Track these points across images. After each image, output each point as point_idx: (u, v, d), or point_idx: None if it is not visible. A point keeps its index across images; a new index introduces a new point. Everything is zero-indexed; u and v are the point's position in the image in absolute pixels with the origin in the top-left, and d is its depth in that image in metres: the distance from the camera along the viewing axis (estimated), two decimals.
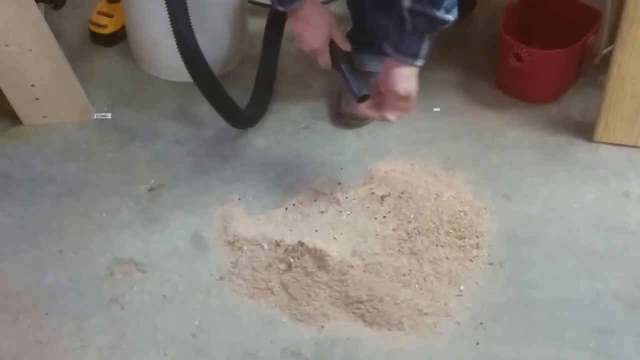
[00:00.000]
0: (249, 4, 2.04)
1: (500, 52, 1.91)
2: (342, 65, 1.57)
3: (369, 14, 1.76)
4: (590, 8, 1.90)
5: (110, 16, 2.04)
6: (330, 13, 1.57)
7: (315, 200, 1.61)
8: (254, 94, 1.81)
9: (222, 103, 1.69)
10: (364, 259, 1.46)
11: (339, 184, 1.66)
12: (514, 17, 1.91)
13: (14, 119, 1.80)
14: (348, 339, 1.39)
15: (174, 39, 1.57)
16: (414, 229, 1.52)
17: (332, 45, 1.57)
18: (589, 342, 1.38)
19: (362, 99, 1.52)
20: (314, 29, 1.54)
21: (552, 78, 1.88)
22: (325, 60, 1.58)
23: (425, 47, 1.43)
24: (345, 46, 1.58)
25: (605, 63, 1.72)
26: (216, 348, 1.37)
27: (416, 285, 1.45)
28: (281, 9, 1.54)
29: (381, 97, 1.51)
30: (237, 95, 1.72)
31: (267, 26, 1.79)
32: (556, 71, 1.87)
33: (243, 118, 1.78)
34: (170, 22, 1.56)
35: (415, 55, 1.43)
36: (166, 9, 1.55)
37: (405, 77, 1.44)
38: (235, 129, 1.78)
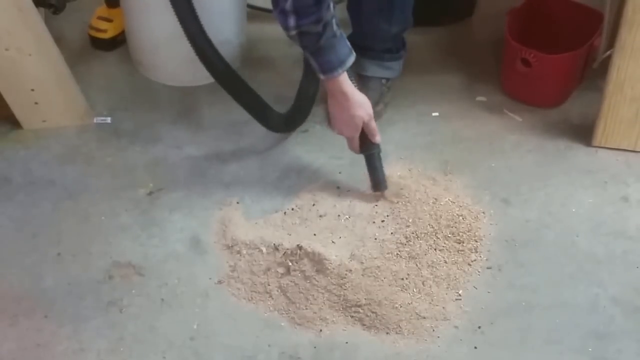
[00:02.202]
0: (248, 9, 2.05)
1: (506, 57, 1.90)
2: (369, 154, 1.60)
3: (369, 19, 1.76)
4: (592, 10, 1.89)
5: (110, 21, 2.05)
6: (368, 103, 1.55)
7: (313, 204, 1.61)
8: (296, 100, 1.77)
9: (248, 100, 1.68)
10: (362, 263, 1.46)
11: (338, 188, 1.66)
12: (517, 21, 1.90)
13: (14, 123, 1.81)
14: (346, 342, 1.39)
15: (189, 44, 1.56)
16: (413, 233, 1.52)
17: (362, 134, 1.58)
18: (588, 346, 1.38)
19: (377, 190, 1.61)
20: (349, 119, 1.54)
21: (560, 81, 1.87)
22: (355, 147, 1.60)
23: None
24: (376, 139, 1.58)
25: (604, 67, 1.72)
26: (214, 352, 1.37)
27: (414, 289, 1.45)
28: (322, 77, 1.50)
29: None
30: None
31: None
32: (564, 74, 1.86)
33: (272, 118, 1.73)
34: (181, 26, 1.56)
35: None
36: (175, 14, 1.56)
37: None
38: (234, 130, 1.78)
